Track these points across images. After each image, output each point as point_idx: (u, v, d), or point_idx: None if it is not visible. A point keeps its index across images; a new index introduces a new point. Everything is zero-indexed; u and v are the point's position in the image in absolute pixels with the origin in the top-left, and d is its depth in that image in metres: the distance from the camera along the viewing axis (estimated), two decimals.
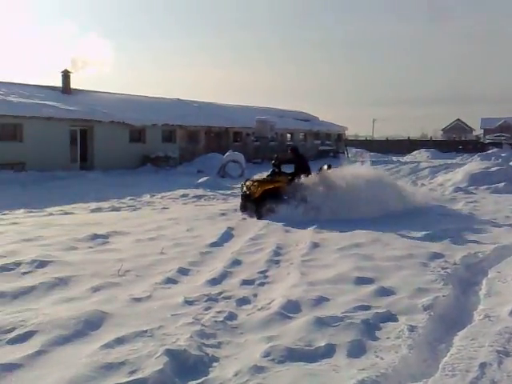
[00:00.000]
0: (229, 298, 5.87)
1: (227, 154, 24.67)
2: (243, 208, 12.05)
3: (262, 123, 33.12)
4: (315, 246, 8.51)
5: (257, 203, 11.66)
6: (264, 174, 13.59)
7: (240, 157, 24.40)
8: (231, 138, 33.59)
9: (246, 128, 34.05)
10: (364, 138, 58.17)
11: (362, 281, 6.46)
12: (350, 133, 53.99)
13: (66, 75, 27.90)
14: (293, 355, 4.38)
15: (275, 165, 12.56)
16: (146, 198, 15.39)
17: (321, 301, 5.70)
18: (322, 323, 5.02)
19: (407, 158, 42.82)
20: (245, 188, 12.32)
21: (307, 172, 12.14)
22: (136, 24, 71.23)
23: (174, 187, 17.44)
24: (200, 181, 18.81)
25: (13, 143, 22.46)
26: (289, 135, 39.20)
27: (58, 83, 28.04)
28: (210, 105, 35.70)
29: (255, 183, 12.30)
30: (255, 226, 10.53)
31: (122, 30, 66.00)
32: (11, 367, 3.97)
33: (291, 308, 5.44)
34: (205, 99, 36.55)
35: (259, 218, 11.29)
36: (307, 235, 9.41)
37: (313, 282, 6.39)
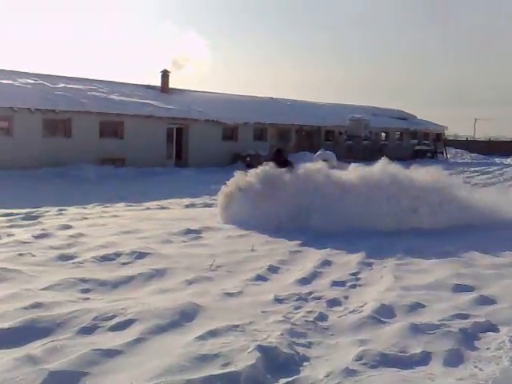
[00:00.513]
0: (319, 298, 5.83)
1: (318, 152, 24.36)
2: None
3: (356, 121, 32.54)
4: (409, 250, 8.24)
5: None
6: None
7: (331, 156, 24.09)
8: (323, 137, 33.34)
9: (339, 126, 33.65)
10: (465, 139, 55.38)
11: (460, 288, 6.17)
12: (450, 133, 51.67)
13: (164, 75, 29.04)
14: (386, 360, 4.27)
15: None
16: None
17: (416, 307, 5.52)
18: (417, 330, 4.86)
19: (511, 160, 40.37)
20: None
21: None
22: (229, 23, 72.91)
23: None
24: None
25: (114, 140, 23.73)
26: (383, 134, 38.28)
27: (157, 82, 29.24)
28: (302, 103, 35.65)
29: None
30: None
31: (217, 28, 67.79)
32: (112, 353, 4.18)
33: (384, 312, 5.31)
34: (298, 97, 36.60)
35: None
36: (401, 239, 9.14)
37: (407, 287, 6.20)
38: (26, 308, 5.06)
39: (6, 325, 4.63)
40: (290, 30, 76.65)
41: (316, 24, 78.17)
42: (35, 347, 4.24)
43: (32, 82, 23.48)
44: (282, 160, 12.08)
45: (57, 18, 68.68)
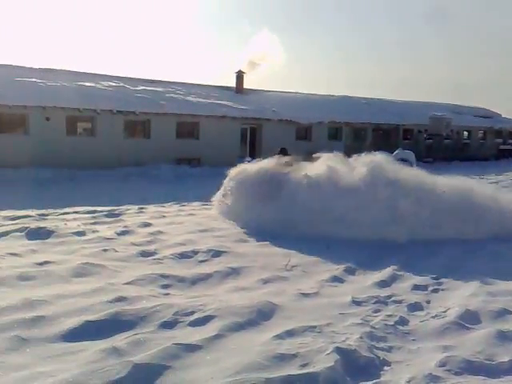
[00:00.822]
0: (399, 302, 5.66)
1: (396, 152, 23.75)
2: None
3: (437, 120, 31.25)
4: (496, 253, 7.84)
5: None
6: None
7: (410, 155, 23.34)
8: (401, 136, 32.43)
9: (418, 125, 32.58)
10: None
11: None
12: None
13: (239, 76, 29.35)
14: (471, 368, 4.10)
15: None
16: None
17: (503, 313, 5.24)
18: (504, 337, 4.62)
19: None
20: None
21: None
22: (303, 20, 72.62)
23: None
24: None
25: (190, 140, 24.27)
26: (466, 133, 36.74)
27: (232, 83, 29.59)
28: (379, 101, 34.89)
29: None
30: None
31: (291, 27, 67.86)
32: (193, 348, 4.26)
33: (470, 318, 5.08)
34: (375, 95, 35.86)
35: None
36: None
37: (493, 293, 5.89)
38: (110, 301, 5.26)
39: (91, 317, 4.84)
40: (366, 27, 75.31)
41: (389, 20, 76.34)
42: (120, 340, 4.40)
43: (114, 84, 24.45)
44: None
45: (134, 21, 71.21)
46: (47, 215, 10.29)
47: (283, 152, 13.05)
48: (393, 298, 5.77)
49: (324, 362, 4.02)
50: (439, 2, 74.13)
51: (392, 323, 5.02)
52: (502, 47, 77.03)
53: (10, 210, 10.20)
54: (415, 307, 5.51)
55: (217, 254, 7.63)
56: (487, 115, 39.48)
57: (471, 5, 76.68)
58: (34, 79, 21.69)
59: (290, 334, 4.64)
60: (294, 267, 7.03)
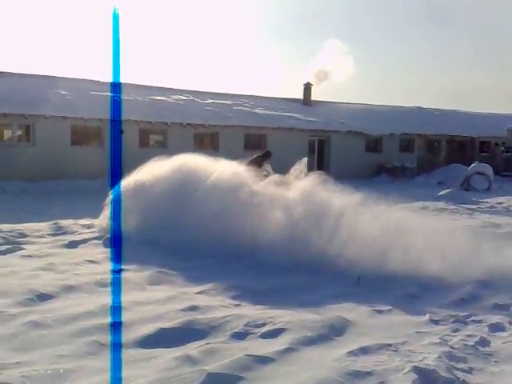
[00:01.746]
0: (479, 322, 5.39)
1: (472, 165, 22.99)
2: None
3: None
4: None
5: None
6: None
7: (487, 169, 22.49)
8: (477, 148, 31.24)
9: (495, 137, 31.30)
10: None
11: None
12: None
13: (307, 87, 29.36)
14: None
15: None
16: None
17: None
18: None
19: None
20: None
21: None
22: (373, 30, 71.80)
23: (412, 199, 16.88)
24: (441, 193, 17.84)
25: (257, 152, 24.43)
26: None
27: (300, 95, 29.61)
28: (453, 112, 33.79)
29: None
30: None
31: (361, 37, 67.25)
32: (265, 360, 4.22)
33: None
34: (448, 107, 34.77)
35: None
36: None
37: None
38: (183, 310, 5.33)
39: (166, 325, 4.92)
40: (438, 35, 73.44)
41: (466, 28, 73.99)
42: (193, 348, 4.44)
43: (184, 98, 25.12)
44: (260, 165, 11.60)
45: (202, 35, 72.96)
46: None
47: (267, 155, 12.55)
48: (472, 318, 5.48)
49: (401, 381, 3.88)
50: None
51: (472, 343, 4.77)
52: None
53: (88, 219, 10.62)
54: (497, 328, 5.21)
55: None
56: None
57: None
58: (108, 93, 22.65)
59: (364, 351, 4.50)
60: (366, 282, 6.84)
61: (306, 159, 11.15)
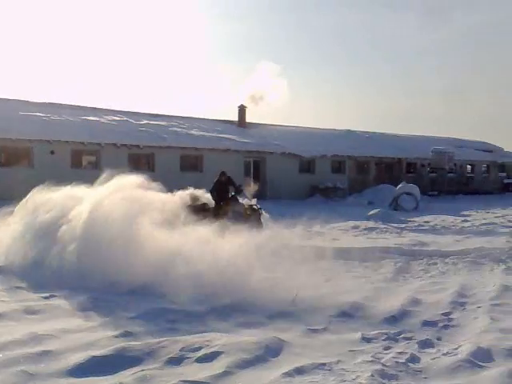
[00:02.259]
0: (409, 338, 5.57)
1: (400, 185, 23.92)
2: None
3: (439, 154, 31.52)
4: (506, 288, 7.75)
5: None
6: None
7: (414, 189, 23.44)
8: (404, 169, 32.58)
9: (421, 159, 32.77)
10: None
11: None
12: None
13: (241, 109, 29.68)
14: None
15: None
16: (316, 228, 15.46)
17: None
18: None
19: None
20: None
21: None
22: (307, 55, 73.79)
23: (343, 218, 17.35)
24: (371, 213, 18.41)
25: (193, 173, 24.37)
26: (469, 166, 36.88)
27: (235, 117, 29.86)
28: (381, 135, 35.13)
29: None
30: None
31: (295, 61, 68.90)
32: None
33: (482, 356, 4.97)
34: (377, 129, 36.10)
35: None
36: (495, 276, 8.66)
37: (505, 330, 5.80)
38: (116, 336, 5.19)
39: (98, 353, 4.76)
40: (367, 60, 76.51)
41: (390, 55, 77.52)
42: (126, 376, 4.32)
43: (117, 118, 24.74)
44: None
45: (137, 55, 72.46)
46: None
47: (223, 175, 13.16)
48: (403, 335, 5.65)
49: None
50: (437, 38, 75.49)
51: (403, 361, 4.90)
52: (502, 84, 77.99)
53: None
54: (426, 344, 5.40)
55: None
56: (489, 149, 39.68)
57: (468, 41, 78.07)
58: (38, 113, 21.96)
59: (299, 371, 4.55)
60: (302, 301, 6.92)
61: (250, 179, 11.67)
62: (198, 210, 11.59)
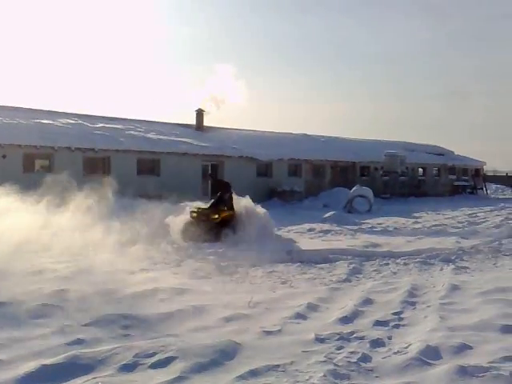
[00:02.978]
0: (362, 338, 5.68)
1: (354, 188, 24.36)
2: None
3: (392, 157, 32.29)
4: (454, 288, 8.01)
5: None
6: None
7: (368, 192, 23.92)
8: (358, 173, 33.20)
9: (374, 162, 33.48)
10: (504, 174, 53.59)
11: (509, 329, 5.93)
12: (489, 168, 50.20)
13: (199, 113, 29.58)
14: None
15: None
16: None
17: (463, 348, 5.32)
18: (465, 372, 4.67)
19: None
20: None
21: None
22: (265, 60, 74.32)
23: (300, 221, 17.52)
24: (326, 215, 18.67)
25: (151, 177, 24.12)
26: (421, 169, 37.86)
27: (192, 121, 29.75)
28: (336, 139, 35.69)
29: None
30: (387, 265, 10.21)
31: (253, 65, 69.26)
32: None
33: (430, 354, 5.13)
34: (332, 134, 36.66)
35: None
36: (444, 276, 8.92)
37: (453, 328, 5.99)
38: (68, 344, 5.10)
39: (48, 361, 4.67)
40: (321, 67, 77.57)
41: (345, 61, 78.85)
42: None
43: (72, 122, 24.23)
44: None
45: (91, 57, 71.29)
46: None
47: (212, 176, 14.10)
48: (355, 335, 5.77)
49: None
50: (391, 44, 77.33)
51: (355, 360, 5.01)
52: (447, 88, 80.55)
53: None
54: (377, 343, 5.53)
55: (180, 292, 7.55)
56: (440, 152, 40.88)
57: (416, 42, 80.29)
58: None
59: (253, 374, 4.60)
60: (258, 304, 6.98)
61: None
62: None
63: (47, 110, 25.00)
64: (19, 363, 4.61)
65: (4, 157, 20.04)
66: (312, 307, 6.89)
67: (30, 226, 10.72)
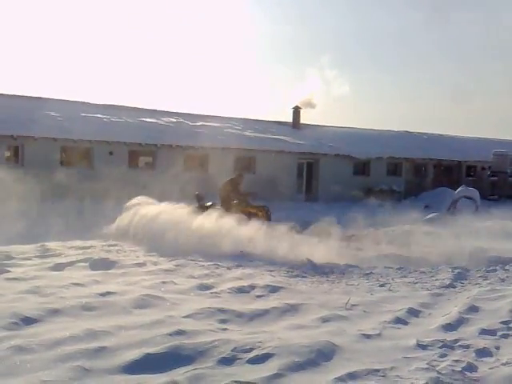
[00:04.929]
0: (467, 346, 5.38)
1: (459, 189, 23.19)
2: None
3: (501, 156, 30.42)
4: None
5: None
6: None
7: (474, 193, 22.66)
8: (463, 173, 31.63)
9: (482, 162, 31.73)
10: None
11: None
12: None
13: (296, 111, 29.63)
14: None
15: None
16: (369, 231, 15.19)
17: None
18: None
19: None
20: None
21: None
22: (364, 56, 72.90)
23: (399, 222, 16.95)
24: (428, 217, 17.93)
25: (248, 174, 24.48)
26: None
27: (289, 119, 29.84)
28: (440, 137, 34.23)
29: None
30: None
31: (349, 63, 68.07)
32: None
33: None
34: (436, 131, 35.19)
35: None
36: None
37: None
38: (170, 334, 5.27)
39: (152, 350, 4.85)
40: (423, 63, 74.84)
41: (449, 57, 75.40)
42: (179, 374, 4.38)
43: (174, 120, 25.22)
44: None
45: (193, 57, 73.64)
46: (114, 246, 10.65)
47: (240, 177, 13.79)
48: (459, 343, 5.48)
49: None
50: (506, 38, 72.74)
51: (459, 369, 4.75)
52: None
53: (76, 241, 10.58)
54: (484, 353, 5.21)
55: (274, 289, 7.59)
56: None
57: None
58: (98, 115, 22.68)
59: (351, 376, 4.48)
60: (354, 306, 6.84)
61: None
62: (205, 209, 12.21)
63: (150, 108, 26.18)
64: (125, 351, 4.82)
65: (111, 153, 21.26)
66: (413, 312, 6.63)
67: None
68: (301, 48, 76.33)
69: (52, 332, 5.23)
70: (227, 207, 12.64)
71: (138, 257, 9.66)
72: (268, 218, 13.23)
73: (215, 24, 75.42)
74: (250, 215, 12.64)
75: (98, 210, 15.38)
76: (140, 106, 25.94)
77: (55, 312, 5.91)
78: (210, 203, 12.97)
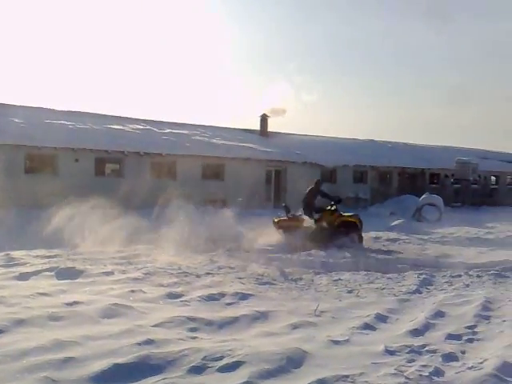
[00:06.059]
0: (433, 351, 5.48)
1: (423, 196, 23.70)
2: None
3: (464, 165, 31.20)
4: None
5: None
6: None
7: (438, 200, 23.19)
8: (427, 180, 32.29)
9: (445, 169, 32.45)
10: None
11: None
12: None
13: (263, 119, 29.78)
14: None
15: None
16: None
17: None
18: None
19: None
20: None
21: None
22: (329, 66, 73.70)
23: (365, 229, 17.18)
24: (394, 223, 18.27)
25: (216, 182, 24.49)
26: (493, 178, 36.35)
27: (257, 126, 29.95)
28: (405, 145, 34.90)
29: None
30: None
31: (316, 72, 68.73)
32: None
33: (508, 371, 4.86)
34: (400, 140, 35.89)
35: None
36: None
37: None
38: (139, 344, 5.21)
39: (120, 360, 4.78)
40: (390, 71, 76.31)
41: (417, 64, 77.15)
42: None
43: (141, 127, 25.01)
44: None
45: (159, 65, 73.37)
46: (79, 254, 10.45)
47: (314, 184, 14.43)
48: (427, 348, 5.57)
49: None
50: (462, 49, 74.84)
51: (427, 374, 4.83)
52: None
53: (41, 249, 10.36)
54: (450, 358, 5.31)
55: (244, 297, 7.58)
56: None
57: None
58: (63, 121, 22.32)
59: (321, 383, 4.51)
60: (323, 312, 6.90)
61: None
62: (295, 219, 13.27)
63: (117, 115, 25.92)
64: (93, 361, 4.74)
65: (77, 160, 20.93)
66: (381, 318, 6.71)
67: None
68: (269, 56, 76.92)
69: (18, 343, 5.10)
70: (311, 216, 12.89)
71: (105, 265, 9.52)
72: (361, 225, 13.54)
73: (182, 31, 75.34)
74: (349, 224, 12.84)
75: (63, 218, 15.08)
76: (105, 113, 25.67)
77: (21, 322, 5.77)
78: (299, 213, 13.50)
